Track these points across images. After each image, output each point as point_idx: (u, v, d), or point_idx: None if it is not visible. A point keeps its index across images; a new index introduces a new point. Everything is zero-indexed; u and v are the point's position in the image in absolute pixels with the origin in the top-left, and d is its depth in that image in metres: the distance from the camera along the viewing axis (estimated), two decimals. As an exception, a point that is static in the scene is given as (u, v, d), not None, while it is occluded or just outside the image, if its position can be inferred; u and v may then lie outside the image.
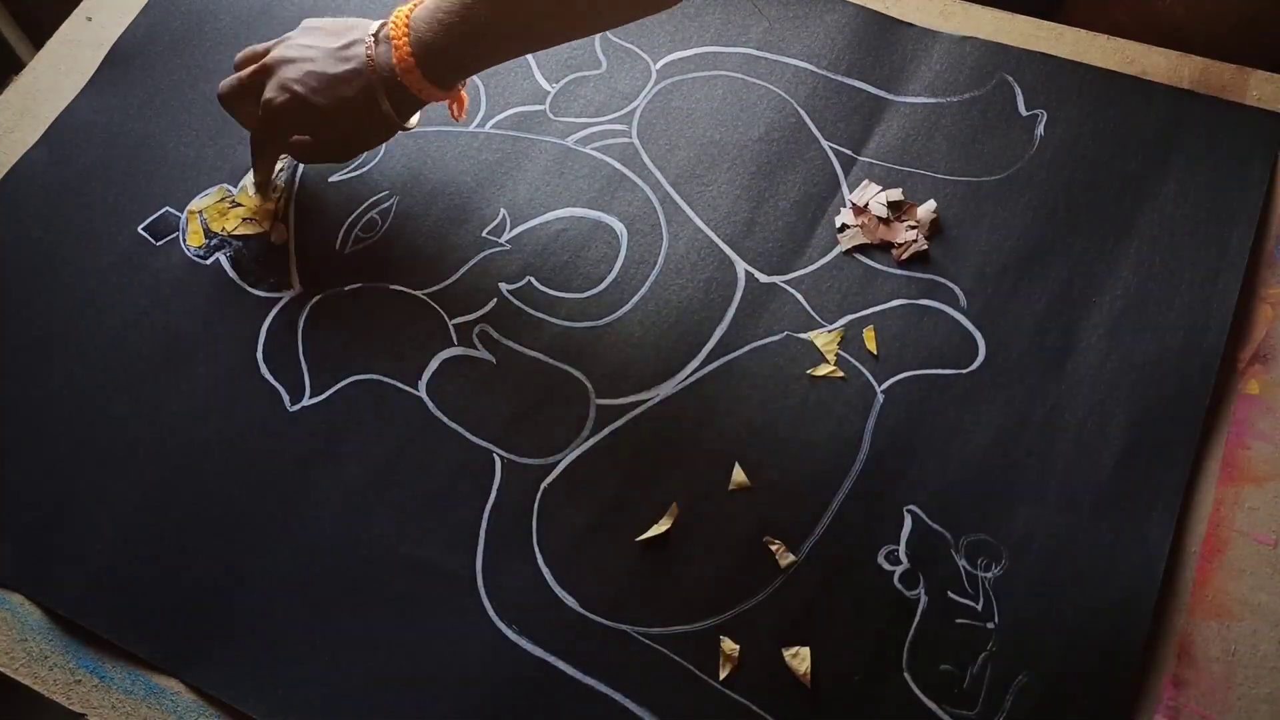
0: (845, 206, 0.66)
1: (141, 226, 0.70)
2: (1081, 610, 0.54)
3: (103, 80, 0.76)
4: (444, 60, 0.60)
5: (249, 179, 0.71)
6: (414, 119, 0.65)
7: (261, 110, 0.63)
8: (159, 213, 0.71)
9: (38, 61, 0.78)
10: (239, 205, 0.70)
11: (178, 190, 0.71)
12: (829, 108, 0.70)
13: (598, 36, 0.74)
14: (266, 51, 0.65)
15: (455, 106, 0.65)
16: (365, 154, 0.71)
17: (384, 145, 0.71)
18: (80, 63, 0.77)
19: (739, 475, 0.59)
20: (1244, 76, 0.68)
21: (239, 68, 0.67)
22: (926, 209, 0.64)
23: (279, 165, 0.71)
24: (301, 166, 0.71)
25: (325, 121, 0.62)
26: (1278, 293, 0.61)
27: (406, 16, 0.60)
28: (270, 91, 0.62)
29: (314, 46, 0.63)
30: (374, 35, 0.61)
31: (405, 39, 0.60)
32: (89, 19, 0.80)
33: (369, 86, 0.61)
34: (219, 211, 0.70)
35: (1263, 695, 0.51)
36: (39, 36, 0.85)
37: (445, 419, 0.62)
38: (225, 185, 0.71)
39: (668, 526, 0.58)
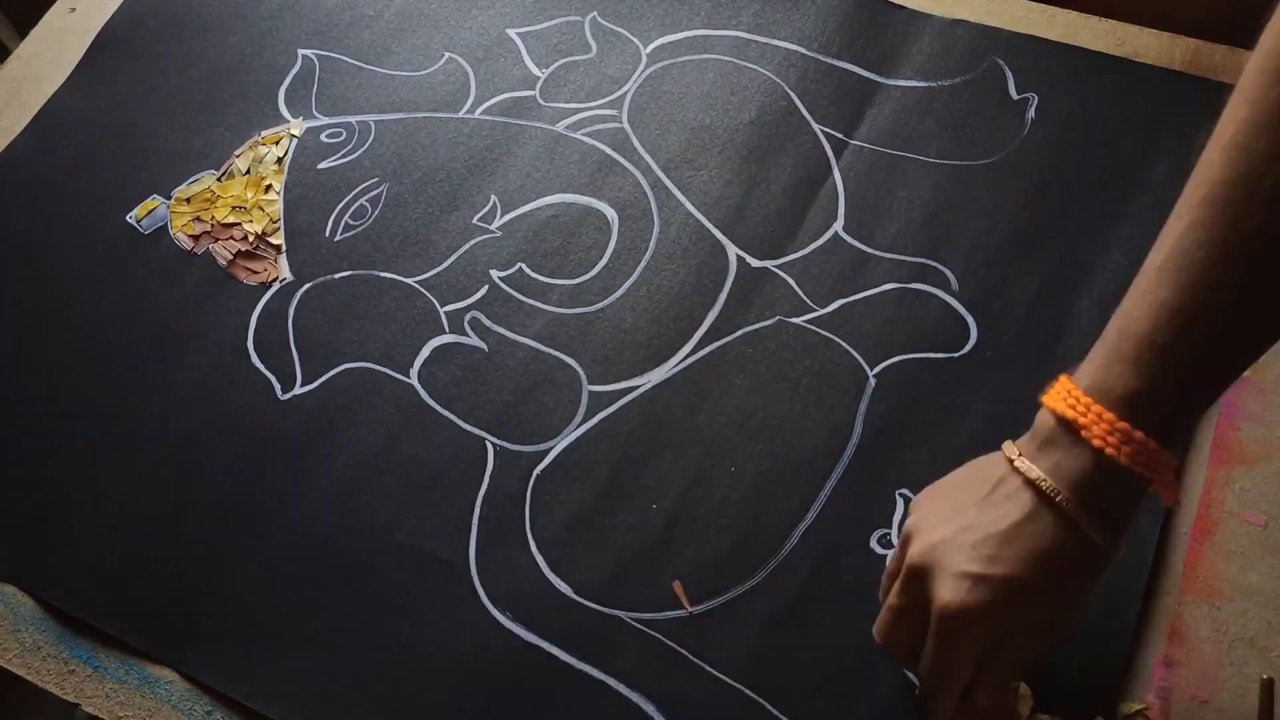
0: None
1: (129, 215, 0.70)
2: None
3: (88, 69, 0.76)
4: (1166, 399, 0.40)
5: (238, 163, 0.71)
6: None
7: (938, 626, 0.44)
8: (147, 201, 0.70)
9: (22, 50, 0.78)
10: (227, 193, 0.70)
11: (165, 178, 0.71)
12: (820, 91, 0.70)
13: (587, 20, 0.74)
14: (900, 560, 0.47)
15: (1169, 489, 0.43)
16: (352, 140, 0.71)
17: (372, 130, 0.71)
18: (66, 51, 0.77)
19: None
20: (1236, 57, 0.67)
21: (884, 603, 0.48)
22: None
23: (276, 150, 0.70)
24: (293, 149, 0.71)
25: (1029, 594, 0.43)
26: (1268, 274, 0.61)
27: (1070, 386, 0.42)
28: (944, 595, 0.43)
29: (954, 506, 0.45)
30: (1010, 454, 0.44)
31: (1091, 408, 0.41)
32: (72, 10, 0.79)
33: (1052, 510, 0.42)
34: (207, 199, 0.70)
35: (1253, 675, 0.52)
36: (23, 24, 0.84)
37: (437, 406, 0.62)
38: (212, 172, 0.71)
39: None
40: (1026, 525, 0.42)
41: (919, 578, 0.45)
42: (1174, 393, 0.40)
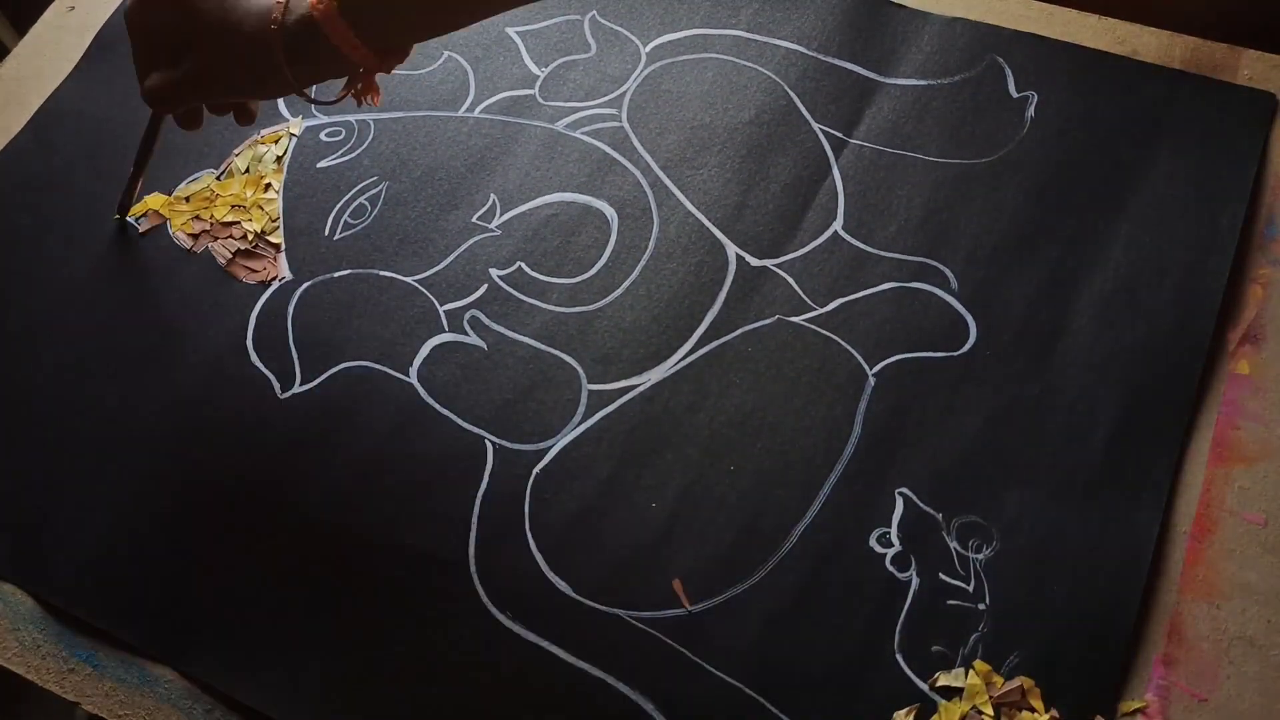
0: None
1: (121, 214, 0.70)
2: (1072, 591, 0.54)
3: (87, 67, 0.76)
4: (375, 6, 0.51)
5: (237, 162, 0.71)
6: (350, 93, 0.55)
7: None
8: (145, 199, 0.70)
9: (21, 48, 0.78)
10: (226, 192, 0.70)
11: (164, 177, 0.71)
12: (820, 90, 0.70)
13: (586, 19, 0.74)
14: None
15: (367, 89, 0.55)
16: (351, 139, 0.71)
17: (371, 129, 0.71)
18: (64, 49, 0.77)
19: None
20: (1235, 56, 0.67)
21: None
22: None
23: (275, 149, 0.70)
24: (292, 148, 0.71)
25: (206, 35, 0.53)
26: (1268, 273, 0.61)
27: None
28: None
29: None
30: None
31: None
32: (71, 8, 0.79)
33: (264, 22, 0.52)
34: (206, 198, 0.70)
35: (1252, 674, 0.52)
36: (22, 23, 0.84)
37: (436, 405, 0.62)
38: (211, 171, 0.71)
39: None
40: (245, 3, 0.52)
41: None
42: None
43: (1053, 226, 0.64)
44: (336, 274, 0.66)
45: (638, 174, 0.68)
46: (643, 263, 0.65)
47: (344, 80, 0.55)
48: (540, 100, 0.71)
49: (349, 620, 0.57)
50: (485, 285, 0.65)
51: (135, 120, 0.73)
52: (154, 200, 0.70)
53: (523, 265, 0.66)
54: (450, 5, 0.53)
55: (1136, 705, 0.51)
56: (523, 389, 0.62)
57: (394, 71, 0.72)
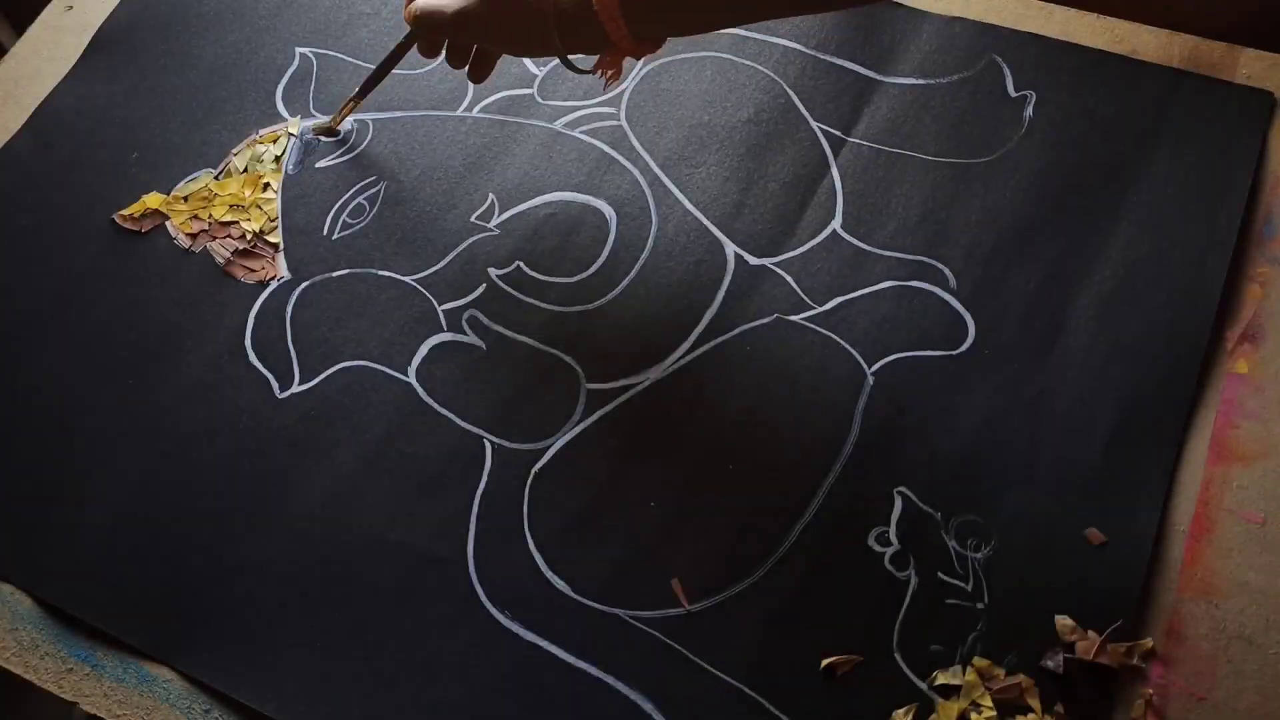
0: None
1: (123, 212, 0.70)
2: (1070, 590, 0.54)
3: (85, 67, 0.76)
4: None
5: (236, 161, 0.71)
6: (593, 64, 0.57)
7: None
8: (144, 198, 0.70)
9: (19, 48, 0.78)
10: (224, 191, 0.70)
11: (162, 177, 0.71)
12: (818, 89, 0.70)
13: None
14: None
15: (611, 70, 0.57)
16: (350, 139, 0.71)
17: (370, 128, 0.71)
18: (63, 49, 0.77)
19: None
20: (1234, 54, 0.67)
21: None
22: None
23: (274, 148, 0.70)
24: (294, 150, 0.71)
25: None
26: (1266, 271, 0.61)
27: None
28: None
29: None
30: None
31: None
32: (69, 7, 0.79)
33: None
34: (204, 198, 0.70)
35: (1250, 672, 0.52)
36: (20, 22, 0.84)
37: (435, 405, 0.62)
38: (210, 170, 0.71)
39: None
40: None
41: None
42: None
43: (1051, 225, 0.64)
44: (335, 273, 0.66)
45: (636, 173, 0.68)
46: (641, 261, 0.65)
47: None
48: (539, 99, 0.71)
49: (348, 619, 0.57)
50: (484, 285, 0.65)
51: (132, 119, 0.73)
52: (152, 200, 0.70)
53: (521, 264, 0.66)
54: (723, 8, 0.54)
55: (1135, 704, 0.51)
56: (521, 388, 0.62)
57: (392, 70, 0.73)
